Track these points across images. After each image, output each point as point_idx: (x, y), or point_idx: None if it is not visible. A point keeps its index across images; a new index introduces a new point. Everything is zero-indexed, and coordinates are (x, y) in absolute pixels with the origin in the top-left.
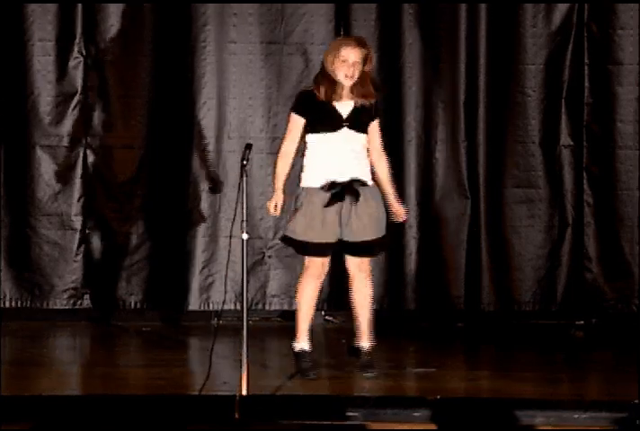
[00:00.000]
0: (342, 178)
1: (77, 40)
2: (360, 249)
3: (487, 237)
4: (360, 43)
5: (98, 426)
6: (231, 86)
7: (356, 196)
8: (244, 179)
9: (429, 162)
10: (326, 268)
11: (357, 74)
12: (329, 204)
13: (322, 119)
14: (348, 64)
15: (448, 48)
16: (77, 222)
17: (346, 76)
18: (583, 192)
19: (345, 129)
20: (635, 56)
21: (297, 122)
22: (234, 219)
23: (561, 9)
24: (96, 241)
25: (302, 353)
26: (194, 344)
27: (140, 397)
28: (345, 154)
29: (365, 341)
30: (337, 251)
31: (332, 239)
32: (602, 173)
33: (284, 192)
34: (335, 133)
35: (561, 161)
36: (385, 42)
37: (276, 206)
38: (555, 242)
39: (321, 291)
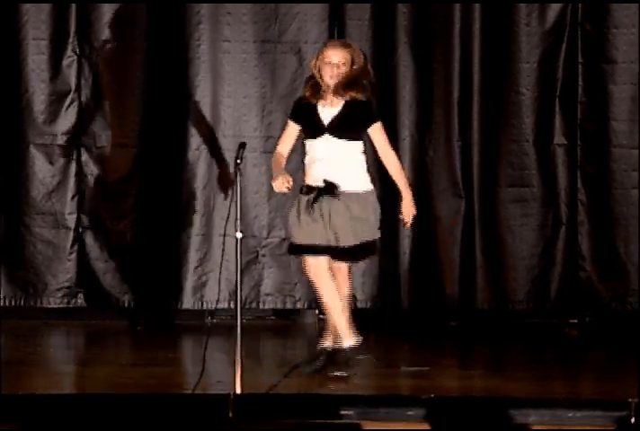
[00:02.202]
0: (314, 180)
1: (71, 39)
2: (338, 253)
3: (481, 236)
4: (345, 45)
5: (90, 426)
6: (225, 85)
7: (324, 194)
8: (238, 177)
9: (423, 162)
10: (323, 265)
11: (341, 75)
12: (306, 207)
13: (307, 126)
14: (332, 64)
15: (443, 47)
16: (71, 220)
17: (330, 77)
18: (577, 191)
19: (326, 136)
20: (629, 54)
21: (290, 128)
22: (227, 218)
23: (555, 8)
24: (90, 240)
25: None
26: (188, 343)
27: (133, 396)
28: (327, 161)
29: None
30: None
31: (312, 241)
32: (596, 172)
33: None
34: (316, 140)
35: (555, 160)
36: (379, 42)
37: (283, 182)
38: (549, 241)
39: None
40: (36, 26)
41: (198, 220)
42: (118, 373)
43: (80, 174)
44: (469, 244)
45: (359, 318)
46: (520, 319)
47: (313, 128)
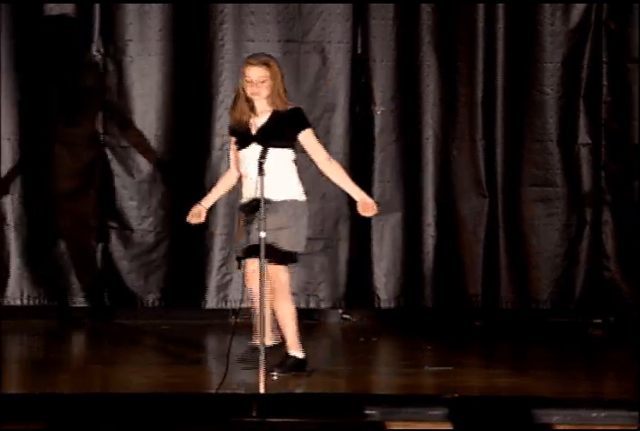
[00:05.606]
0: (249, 195)
1: (95, 39)
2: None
3: (505, 235)
4: (263, 62)
5: (114, 425)
6: None
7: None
8: (262, 177)
9: (446, 161)
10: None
11: (264, 92)
12: (246, 222)
13: (237, 136)
14: (252, 83)
15: (466, 46)
16: (96, 220)
17: (252, 94)
18: (601, 190)
19: (253, 145)
20: None
21: (232, 141)
22: None
23: (579, 7)
24: (115, 240)
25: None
26: (212, 342)
27: (157, 395)
28: (254, 170)
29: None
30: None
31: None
32: (620, 171)
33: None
34: (245, 149)
35: (579, 159)
36: (402, 41)
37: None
38: (573, 241)
39: None
40: (60, 26)
41: (222, 219)
42: (142, 373)
43: (104, 174)
44: (493, 244)
45: (383, 317)
46: (544, 318)
47: (242, 137)
